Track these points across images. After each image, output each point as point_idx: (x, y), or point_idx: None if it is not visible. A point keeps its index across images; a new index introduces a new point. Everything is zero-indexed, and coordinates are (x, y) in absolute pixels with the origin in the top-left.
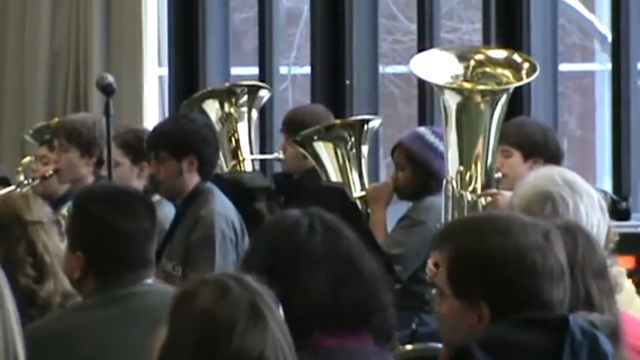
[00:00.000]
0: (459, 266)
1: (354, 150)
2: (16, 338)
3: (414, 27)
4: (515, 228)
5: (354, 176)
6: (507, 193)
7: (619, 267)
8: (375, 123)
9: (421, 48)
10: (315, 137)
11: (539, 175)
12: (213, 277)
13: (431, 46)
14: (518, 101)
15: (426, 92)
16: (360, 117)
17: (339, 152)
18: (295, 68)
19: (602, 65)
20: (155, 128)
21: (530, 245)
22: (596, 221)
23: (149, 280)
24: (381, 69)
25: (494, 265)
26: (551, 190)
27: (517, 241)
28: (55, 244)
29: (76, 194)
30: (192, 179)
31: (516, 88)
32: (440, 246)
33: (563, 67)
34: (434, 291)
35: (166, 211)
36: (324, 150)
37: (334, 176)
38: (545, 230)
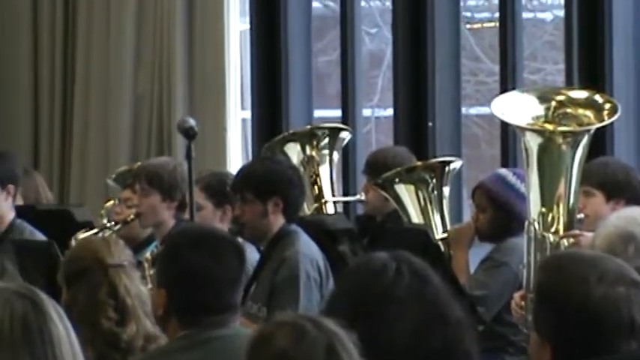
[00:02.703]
0: (539, 302)
1: (435, 192)
2: None
3: (497, 68)
4: (610, 275)
5: (435, 218)
6: (589, 234)
7: None
8: (456, 164)
9: (504, 89)
10: (396, 180)
11: (622, 216)
12: (289, 319)
13: (514, 87)
14: (600, 142)
15: (508, 133)
16: (440, 159)
17: (420, 194)
18: (378, 110)
19: None
20: (241, 170)
21: (616, 297)
22: None
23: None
24: (465, 110)
25: (570, 311)
26: (633, 230)
27: (604, 290)
28: (136, 287)
29: (172, 232)
30: (277, 221)
31: (599, 129)
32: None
33: None
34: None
35: (249, 254)
36: (405, 192)
37: (416, 218)
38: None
